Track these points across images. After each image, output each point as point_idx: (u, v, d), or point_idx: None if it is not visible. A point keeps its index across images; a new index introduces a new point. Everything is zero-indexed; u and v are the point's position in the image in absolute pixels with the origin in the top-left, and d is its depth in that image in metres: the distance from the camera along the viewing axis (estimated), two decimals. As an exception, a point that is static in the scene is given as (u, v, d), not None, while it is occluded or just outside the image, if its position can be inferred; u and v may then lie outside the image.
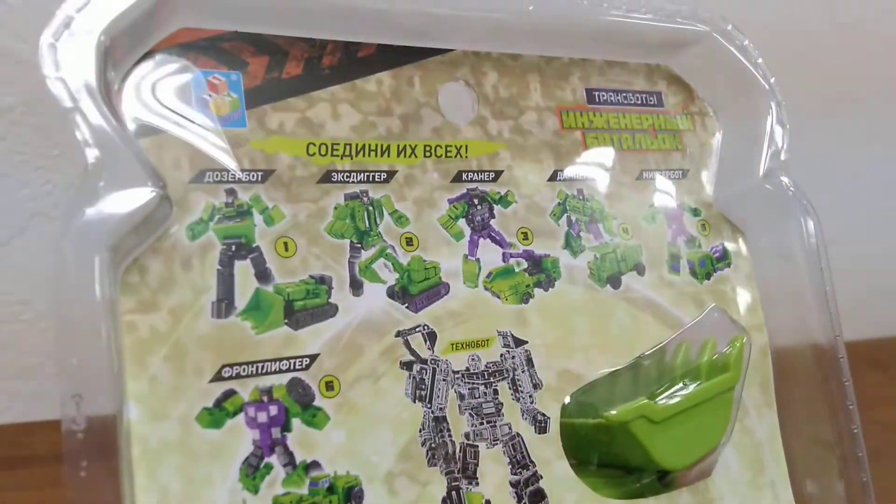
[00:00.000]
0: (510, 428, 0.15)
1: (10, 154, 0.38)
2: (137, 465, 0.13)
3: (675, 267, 0.18)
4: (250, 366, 0.14)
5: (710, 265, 0.19)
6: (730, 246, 0.19)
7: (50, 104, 0.36)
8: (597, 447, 0.16)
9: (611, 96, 0.19)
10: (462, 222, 0.16)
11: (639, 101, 0.19)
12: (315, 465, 0.14)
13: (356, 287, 0.15)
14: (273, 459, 0.13)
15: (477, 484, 0.15)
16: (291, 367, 0.14)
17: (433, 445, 0.15)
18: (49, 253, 0.36)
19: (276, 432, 0.13)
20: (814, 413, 0.18)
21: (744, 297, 0.19)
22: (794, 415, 0.19)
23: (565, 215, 0.17)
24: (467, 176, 0.16)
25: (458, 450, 0.15)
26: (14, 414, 0.41)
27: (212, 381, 0.13)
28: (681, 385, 0.17)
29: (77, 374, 0.12)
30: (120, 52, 0.13)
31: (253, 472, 0.13)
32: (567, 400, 0.16)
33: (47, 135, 0.37)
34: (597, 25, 0.18)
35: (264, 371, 0.14)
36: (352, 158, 0.15)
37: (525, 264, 0.16)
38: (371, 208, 0.15)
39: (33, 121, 0.37)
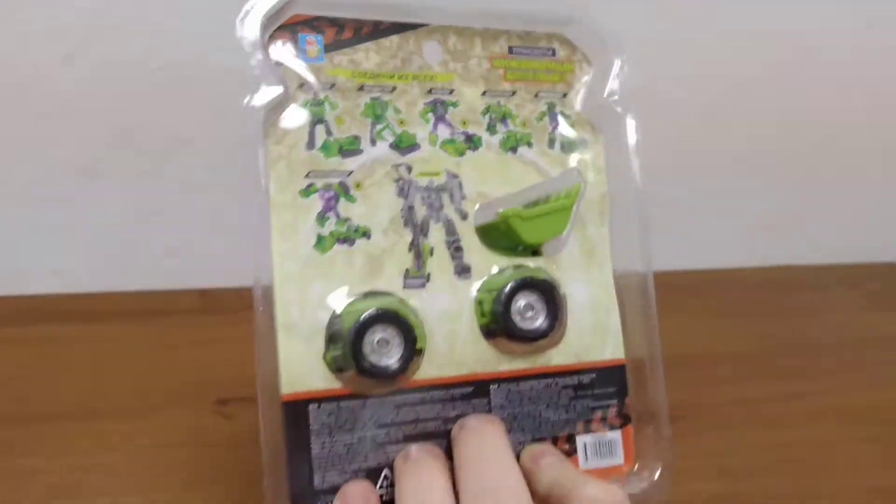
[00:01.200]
0: (447, 215, 0.31)
1: (163, 97, 0.56)
2: (272, 212, 0.29)
3: (552, 146, 0.33)
4: (321, 173, 0.29)
5: (575, 146, 0.33)
6: (589, 137, 0.34)
7: (185, 64, 0.54)
8: (494, 234, 0.31)
9: (523, 50, 0.33)
10: (430, 114, 0.31)
11: (540, 54, 0.34)
12: (349, 220, 0.29)
13: (373, 142, 0.30)
14: (330, 214, 0.29)
15: (427, 237, 0.30)
16: (341, 176, 0.30)
17: (406, 218, 0.30)
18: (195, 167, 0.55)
19: (332, 202, 0.29)
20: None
21: (594, 166, 0.33)
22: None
23: (488, 114, 0.32)
24: (435, 91, 0.32)
25: (419, 221, 0.30)
26: (164, 283, 0.59)
27: (304, 178, 0.29)
28: (542, 202, 0.32)
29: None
30: (269, 25, 0.29)
31: (321, 218, 0.29)
32: (477, 206, 0.31)
33: (185, 83, 0.55)
34: (517, 10, 0.33)
35: (327, 176, 0.30)
36: (374, 80, 0.31)
37: (462, 138, 0.32)
38: (383, 104, 0.31)
39: (179, 74, 0.55)
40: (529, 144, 0.33)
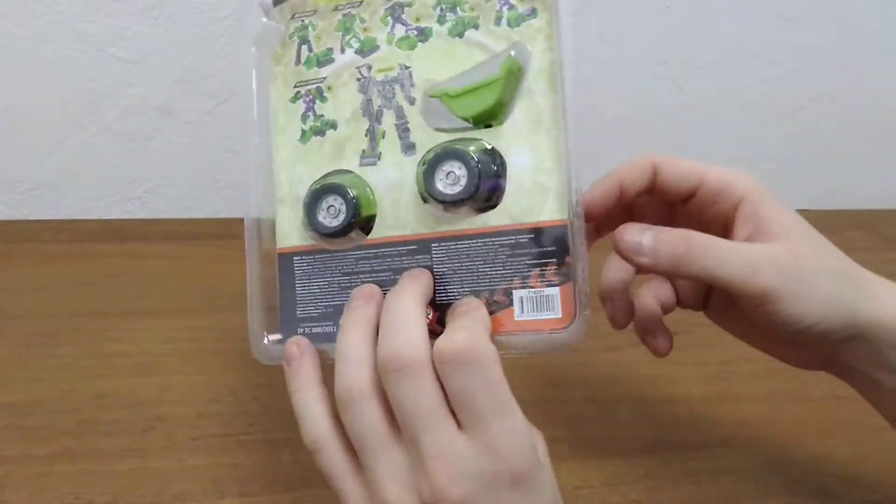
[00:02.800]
0: (398, 102, 0.36)
1: (226, 44, 0.64)
2: (273, 115, 0.37)
3: (498, 22, 0.35)
4: (304, 83, 0.37)
5: (522, 19, 0.35)
6: (538, 7, 0.35)
7: (252, 17, 0.61)
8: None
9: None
10: (389, 18, 0.37)
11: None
12: (322, 116, 0.37)
13: (342, 50, 0.37)
14: (310, 113, 0.37)
15: (381, 123, 0.36)
16: (318, 82, 0.37)
17: (364, 109, 0.37)
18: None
19: (311, 104, 0.37)
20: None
21: (543, 33, 0.34)
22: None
23: (440, 6, 0.36)
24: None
25: (375, 109, 0.36)
26: (226, 212, 0.69)
27: (293, 87, 0.38)
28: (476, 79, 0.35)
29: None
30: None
31: (304, 117, 0.38)
32: (422, 93, 0.36)
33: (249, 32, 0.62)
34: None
35: (308, 84, 0.37)
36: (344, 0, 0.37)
37: (415, 32, 0.37)
38: (351, 17, 0.37)
39: (236, 22, 0.63)
40: (476, 27, 0.36)
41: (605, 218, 0.39)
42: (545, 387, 0.32)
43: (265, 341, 0.37)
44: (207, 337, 0.52)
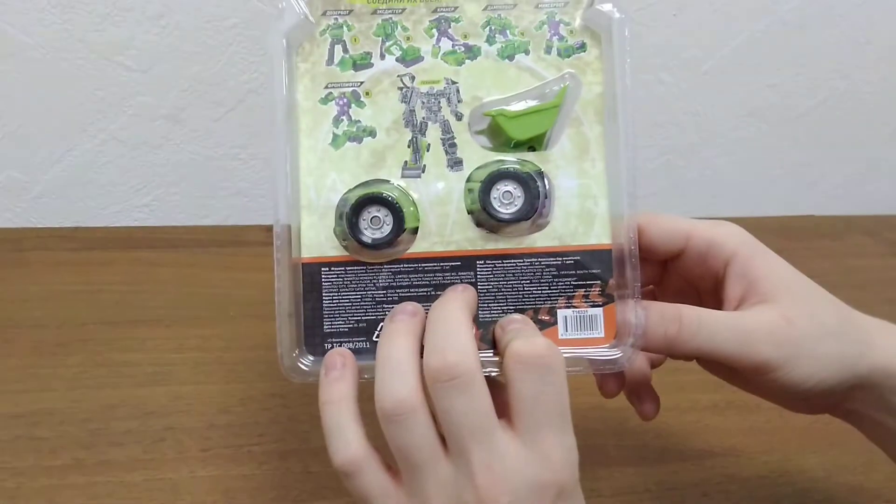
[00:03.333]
0: (444, 116, 0.36)
1: (234, 53, 0.63)
2: (300, 116, 0.36)
3: (548, 51, 0.36)
4: (338, 84, 0.36)
5: (572, 51, 0.36)
6: (588, 41, 0.36)
7: (258, 22, 0.63)
8: (490, 134, 0.36)
9: (526, -34, 0.37)
10: (434, 30, 0.36)
11: (544, -33, 0.37)
12: (358, 122, 0.36)
13: (382, 56, 0.36)
14: (343, 118, 0.36)
15: (425, 136, 0.36)
16: (353, 86, 0.36)
17: (406, 119, 0.36)
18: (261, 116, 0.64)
19: (345, 108, 0.36)
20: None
21: (592, 67, 0.36)
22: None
23: (489, 27, 0.36)
24: (440, 9, 0.36)
25: (418, 122, 0.36)
26: (233, 220, 0.68)
27: (324, 88, 0.36)
28: (531, 104, 0.35)
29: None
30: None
31: (336, 121, 0.36)
32: (470, 109, 0.36)
33: (256, 41, 0.63)
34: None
35: (343, 87, 0.36)
36: (385, 4, 0.36)
37: (462, 49, 0.36)
38: (393, 23, 0.36)
39: (247, 32, 0.63)
40: (526, 52, 0.36)
41: None
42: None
43: (301, 365, 0.35)
44: (216, 346, 0.50)
